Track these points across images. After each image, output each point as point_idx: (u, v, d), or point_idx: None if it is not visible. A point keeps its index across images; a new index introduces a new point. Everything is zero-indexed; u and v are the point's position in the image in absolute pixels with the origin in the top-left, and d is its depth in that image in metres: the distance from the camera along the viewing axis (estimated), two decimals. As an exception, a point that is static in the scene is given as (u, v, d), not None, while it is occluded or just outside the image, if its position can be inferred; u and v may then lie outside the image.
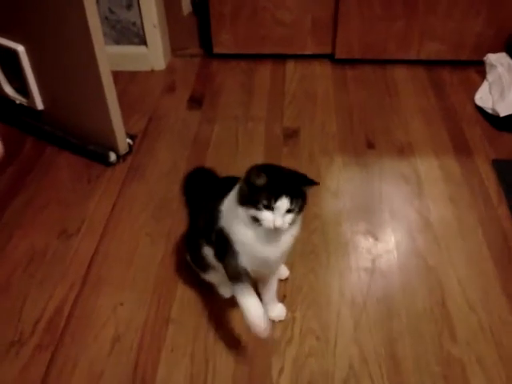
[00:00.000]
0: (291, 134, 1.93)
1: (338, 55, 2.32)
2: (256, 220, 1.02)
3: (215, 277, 1.29)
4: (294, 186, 1.03)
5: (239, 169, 1.08)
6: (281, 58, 2.35)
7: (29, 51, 1.71)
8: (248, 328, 1.09)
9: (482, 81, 2.14)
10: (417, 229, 1.56)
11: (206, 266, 1.26)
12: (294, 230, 1.10)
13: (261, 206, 1.00)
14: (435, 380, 1.19)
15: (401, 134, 1.93)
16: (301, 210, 1.05)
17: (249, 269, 1.10)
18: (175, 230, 1.53)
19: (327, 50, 2.33)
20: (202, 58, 2.39)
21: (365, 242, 1.52)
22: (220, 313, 1.33)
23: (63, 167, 1.80)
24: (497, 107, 1.93)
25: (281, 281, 1.36)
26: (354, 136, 1.93)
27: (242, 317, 1.09)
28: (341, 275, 1.43)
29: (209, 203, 1.18)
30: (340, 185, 1.72)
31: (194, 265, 1.32)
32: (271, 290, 1.27)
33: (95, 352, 1.25)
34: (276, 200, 0.99)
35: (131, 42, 2.27)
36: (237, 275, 1.10)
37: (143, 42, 2.26)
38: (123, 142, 1.81)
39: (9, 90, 1.86)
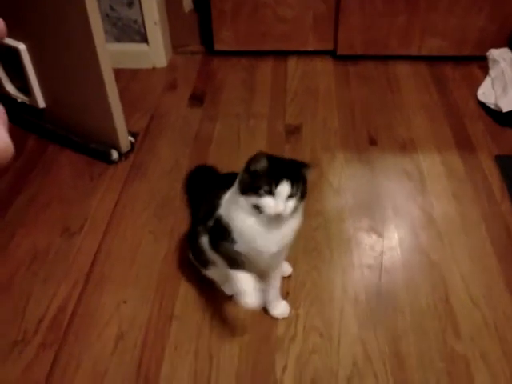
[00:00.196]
0: (293, 131, 1.93)
1: (340, 51, 2.31)
2: (257, 208, 1.02)
3: (216, 273, 1.29)
4: (293, 170, 1.03)
5: (241, 166, 1.07)
6: (282, 55, 2.34)
7: (30, 49, 1.71)
8: (239, 302, 1.10)
9: (485, 76, 2.13)
10: (420, 225, 1.56)
11: (205, 262, 1.26)
12: (295, 223, 1.09)
13: (262, 191, 1.00)
14: (439, 376, 1.18)
15: (403, 130, 1.92)
16: (302, 196, 1.04)
17: (245, 260, 1.10)
18: (178, 227, 1.53)
19: (329, 47, 2.32)
20: (203, 55, 2.39)
21: (368, 239, 1.52)
22: (223, 310, 1.33)
23: (65, 165, 1.80)
24: (499, 102, 1.92)
25: (284, 278, 1.36)
26: (356, 132, 1.92)
27: (238, 304, 1.11)
28: (344, 272, 1.43)
29: (210, 194, 1.18)
30: (342, 181, 1.71)
31: (195, 261, 1.32)
32: (275, 287, 1.27)
33: (99, 350, 1.25)
34: (277, 185, 0.99)
35: (132, 40, 2.27)
36: (234, 262, 1.10)
37: (144, 39, 2.26)
38: (125, 139, 1.80)
39: (10, 88, 1.86)
